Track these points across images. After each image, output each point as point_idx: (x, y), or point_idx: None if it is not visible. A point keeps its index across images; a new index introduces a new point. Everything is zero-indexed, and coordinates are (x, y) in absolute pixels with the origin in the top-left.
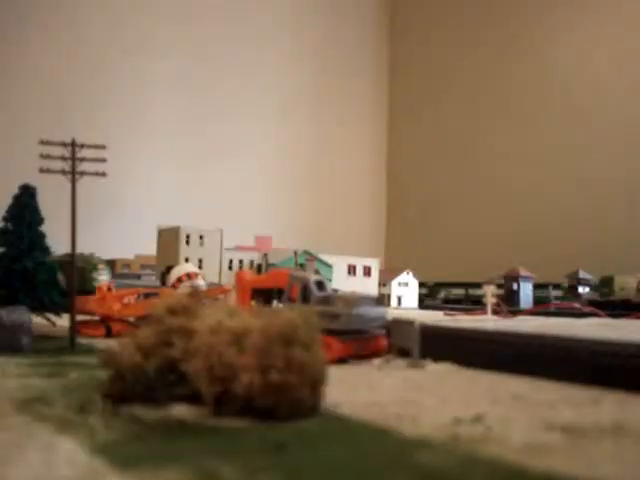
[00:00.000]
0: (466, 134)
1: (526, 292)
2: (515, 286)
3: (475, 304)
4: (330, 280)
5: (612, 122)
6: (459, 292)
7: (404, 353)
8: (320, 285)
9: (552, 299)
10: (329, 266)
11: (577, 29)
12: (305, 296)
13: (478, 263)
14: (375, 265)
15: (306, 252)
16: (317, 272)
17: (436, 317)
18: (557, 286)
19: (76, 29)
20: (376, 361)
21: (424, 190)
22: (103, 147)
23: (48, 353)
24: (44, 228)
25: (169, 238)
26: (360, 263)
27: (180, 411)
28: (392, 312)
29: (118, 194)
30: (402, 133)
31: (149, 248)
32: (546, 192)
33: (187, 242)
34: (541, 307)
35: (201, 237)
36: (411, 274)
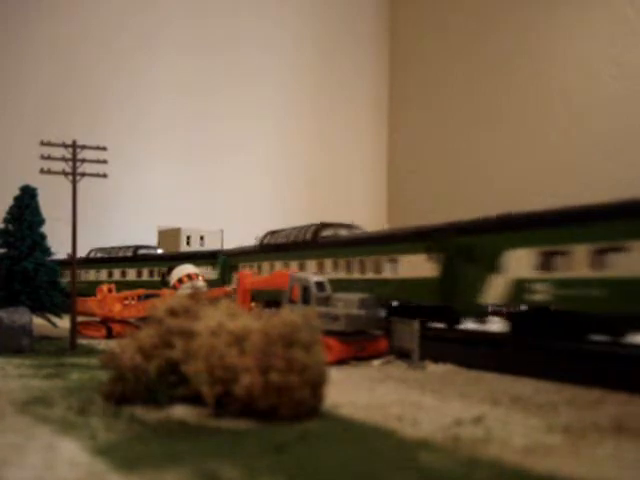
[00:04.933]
0: (466, 132)
1: None
2: None
3: None
4: None
5: (611, 123)
6: None
7: (404, 354)
8: (320, 286)
9: None
10: None
11: (577, 29)
12: (306, 297)
13: None
14: None
15: None
16: None
17: None
18: None
19: (76, 30)
20: (376, 362)
21: (424, 190)
22: (104, 149)
23: (49, 354)
24: (45, 229)
25: (170, 239)
26: None
27: (181, 412)
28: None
29: (118, 195)
30: (403, 132)
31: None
32: (546, 192)
33: (188, 243)
34: None
35: (202, 238)
36: None
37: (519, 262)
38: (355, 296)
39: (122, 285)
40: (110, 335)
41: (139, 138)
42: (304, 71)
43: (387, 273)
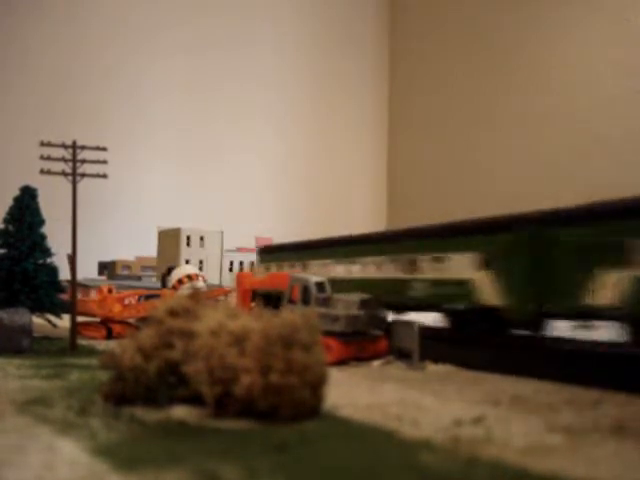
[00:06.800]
0: (466, 132)
1: None
2: None
3: None
4: None
5: (611, 123)
6: None
7: (404, 354)
8: (320, 287)
9: None
10: None
11: (577, 29)
12: (305, 298)
13: None
14: None
15: None
16: None
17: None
18: None
19: (76, 30)
20: (376, 363)
21: (425, 189)
22: (104, 149)
23: (49, 354)
24: (45, 229)
25: (170, 239)
26: None
27: (181, 412)
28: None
29: (118, 195)
30: (403, 133)
31: (150, 249)
32: (546, 191)
33: (188, 243)
34: None
35: (202, 238)
36: None
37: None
38: (355, 297)
39: None
40: (110, 336)
41: (139, 138)
42: (304, 71)
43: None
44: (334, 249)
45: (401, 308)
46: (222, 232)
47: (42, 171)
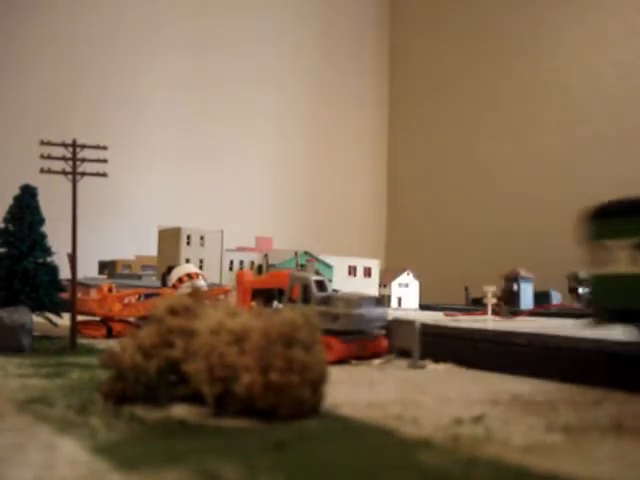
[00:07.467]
0: (467, 134)
1: (526, 293)
2: (515, 287)
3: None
4: (330, 281)
5: (612, 122)
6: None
7: (404, 353)
8: (321, 285)
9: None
10: (329, 267)
11: (577, 29)
12: (306, 296)
13: (479, 263)
14: (375, 266)
15: (306, 253)
16: (318, 273)
17: (436, 318)
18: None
19: (75, 29)
20: (376, 361)
21: (424, 190)
22: (104, 148)
23: (49, 353)
24: (45, 228)
25: (170, 239)
26: (360, 264)
27: (181, 411)
28: (392, 313)
29: (119, 194)
30: (403, 134)
31: (150, 249)
32: (547, 193)
33: (188, 243)
34: (541, 308)
35: (202, 238)
36: (411, 275)
37: None
38: (356, 295)
39: None
40: (110, 334)
41: (139, 138)
42: (304, 71)
43: None
44: None
45: None
46: (222, 232)
47: (42, 170)
